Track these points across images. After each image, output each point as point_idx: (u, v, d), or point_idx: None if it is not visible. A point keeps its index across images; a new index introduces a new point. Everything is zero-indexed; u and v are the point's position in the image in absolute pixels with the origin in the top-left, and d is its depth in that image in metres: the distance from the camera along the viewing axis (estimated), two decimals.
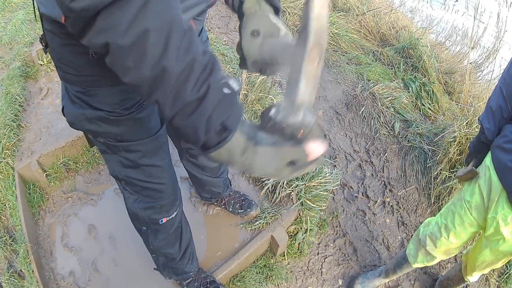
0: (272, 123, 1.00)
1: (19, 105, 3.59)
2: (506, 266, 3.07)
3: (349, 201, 3.40)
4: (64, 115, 1.53)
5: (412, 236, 3.09)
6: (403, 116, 3.95)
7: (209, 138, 0.95)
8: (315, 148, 0.99)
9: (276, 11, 1.31)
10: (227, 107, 0.95)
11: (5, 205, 3.00)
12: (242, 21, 1.29)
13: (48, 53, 1.39)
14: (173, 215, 2.07)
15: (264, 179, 3.10)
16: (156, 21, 0.82)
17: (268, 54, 1.24)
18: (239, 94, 1.01)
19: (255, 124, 1.03)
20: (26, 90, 3.81)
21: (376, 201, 3.41)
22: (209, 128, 0.93)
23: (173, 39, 0.85)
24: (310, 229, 2.99)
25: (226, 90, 0.95)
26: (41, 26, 1.29)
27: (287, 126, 0.99)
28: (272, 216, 2.92)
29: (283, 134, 0.99)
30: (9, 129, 3.31)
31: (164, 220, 2.04)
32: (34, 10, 1.38)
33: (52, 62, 3.78)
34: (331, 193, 3.25)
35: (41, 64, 4.02)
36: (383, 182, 3.54)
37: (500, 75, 2.06)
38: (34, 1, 1.33)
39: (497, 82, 2.06)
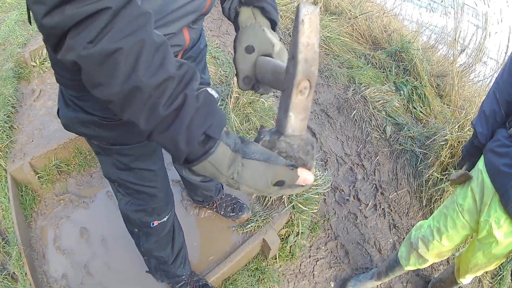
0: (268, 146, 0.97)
1: (11, 106, 3.57)
2: (499, 268, 3.09)
3: (341, 204, 3.41)
4: (59, 117, 1.53)
5: (403, 238, 3.10)
6: (395, 120, 3.96)
7: (192, 150, 0.90)
8: (307, 176, 0.96)
9: (273, 24, 1.29)
10: (208, 116, 0.92)
11: None
12: (237, 34, 1.27)
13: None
14: (165, 219, 2.08)
15: None
16: (125, 38, 0.82)
17: (260, 73, 1.21)
18: (219, 102, 0.98)
19: (243, 137, 0.98)
20: (19, 92, 3.79)
21: (368, 204, 3.42)
22: (190, 139, 0.89)
23: (143, 56, 0.84)
24: (301, 232, 2.99)
25: (204, 98, 0.93)
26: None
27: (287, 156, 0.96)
28: (264, 219, 2.93)
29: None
30: (2, 130, 3.29)
31: (156, 223, 2.05)
32: (28, 13, 1.39)
33: (45, 63, 3.80)
34: (322, 196, 3.26)
35: (33, 66, 4.00)
36: (374, 185, 3.56)
37: (494, 80, 2.08)
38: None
39: (490, 87, 2.08)
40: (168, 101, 0.87)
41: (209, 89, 0.96)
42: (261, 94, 1.30)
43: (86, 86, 0.89)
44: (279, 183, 0.95)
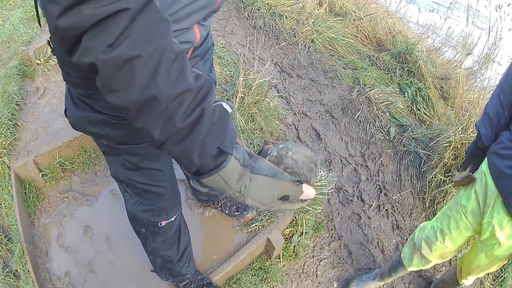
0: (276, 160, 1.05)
1: (16, 104, 3.58)
2: (501, 270, 3.09)
3: (344, 205, 3.41)
4: (66, 117, 1.52)
5: (407, 239, 3.10)
6: (399, 121, 3.97)
7: (204, 163, 0.92)
8: (310, 191, 1.06)
9: None
10: (222, 131, 0.94)
11: (0, 204, 2.99)
12: None
13: (55, 54, 1.39)
14: (173, 219, 2.08)
15: None
16: (145, 44, 0.81)
17: None
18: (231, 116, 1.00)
19: (251, 152, 1.04)
20: (23, 89, 3.80)
21: (371, 205, 3.42)
22: (204, 152, 0.90)
23: (163, 65, 0.84)
24: (305, 232, 3.00)
25: (219, 113, 0.94)
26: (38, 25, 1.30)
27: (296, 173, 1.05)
28: (268, 218, 2.93)
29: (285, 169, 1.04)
30: (6, 128, 3.30)
31: (164, 223, 2.05)
32: (37, 11, 1.38)
33: (49, 61, 3.80)
34: (326, 196, 3.26)
35: (38, 63, 4.01)
36: (378, 186, 3.56)
37: (498, 82, 2.08)
38: (37, 3, 1.34)
39: (494, 89, 2.08)
40: (185, 113, 0.87)
41: (223, 104, 0.97)
42: None
43: (101, 91, 0.88)
44: (284, 198, 1.02)
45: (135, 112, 0.88)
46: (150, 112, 0.86)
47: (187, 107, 0.87)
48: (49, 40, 1.39)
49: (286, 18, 4.93)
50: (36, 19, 1.39)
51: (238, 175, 0.95)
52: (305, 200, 1.07)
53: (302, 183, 1.03)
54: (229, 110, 0.99)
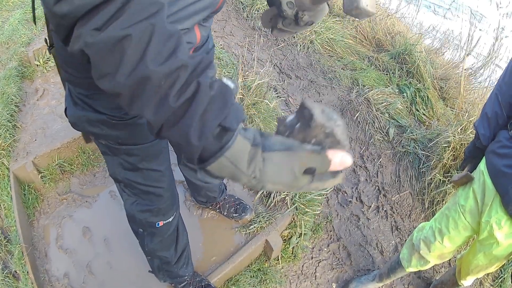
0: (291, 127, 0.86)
1: (15, 105, 3.58)
2: (501, 270, 3.08)
3: (343, 206, 3.41)
4: (66, 116, 1.53)
5: (406, 240, 3.10)
6: (398, 122, 3.96)
7: (206, 145, 0.80)
8: (340, 157, 0.83)
9: None
10: (223, 106, 0.81)
11: (0, 205, 2.99)
12: None
13: (51, 53, 1.40)
14: (170, 219, 2.08)
15: None
16: (134, 25, 0.77)
17: None
18: (235, 95, 0.89)
19: (262, 131, 0.86)
20: (22, 91, 3.80)
21: (370, 206, 3.42)
22: (204, 131, 0.79)
23: (153, 43, 0.78)
24: (304, 234, 3.00)
25: (219, 87, 0.83)
26: (45, 26, 1.31)
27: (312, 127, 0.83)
28: (267, 220, 2.93)
29: (303, 137, 0.85)
30: (5, 129, 3.30)
31: (161, 223, 2.05)
32: (33, 11, 1.39)
33: (48, 63, 3.80)
34: (325, 197, 3.26)
35: (37, 65, 4.02)
36: (377, 187, 3.56)
37: (496, 82, 2.08)
38: (35, 2, 1.34)
39: (493, 89, 2.09)
40: (180, 90, 0.79)
41: (224, 79, 0.88)
42: (305, 25, 1.32)
43: (94, 78, 0.84)
44: (309, 171, 0.83)
45: (129, 97, 0.82)
46: (142, 93, 0.80)
47: (182, 85, 0.79)
48: (46, 38, 1.40)
49: None
50: (35, 20, 1.40)
51: (248, 156, 0.80)
52: (338, 172, 0.85)
53: (324, 150, 0.82)
54: (231, 85, 0.87)
